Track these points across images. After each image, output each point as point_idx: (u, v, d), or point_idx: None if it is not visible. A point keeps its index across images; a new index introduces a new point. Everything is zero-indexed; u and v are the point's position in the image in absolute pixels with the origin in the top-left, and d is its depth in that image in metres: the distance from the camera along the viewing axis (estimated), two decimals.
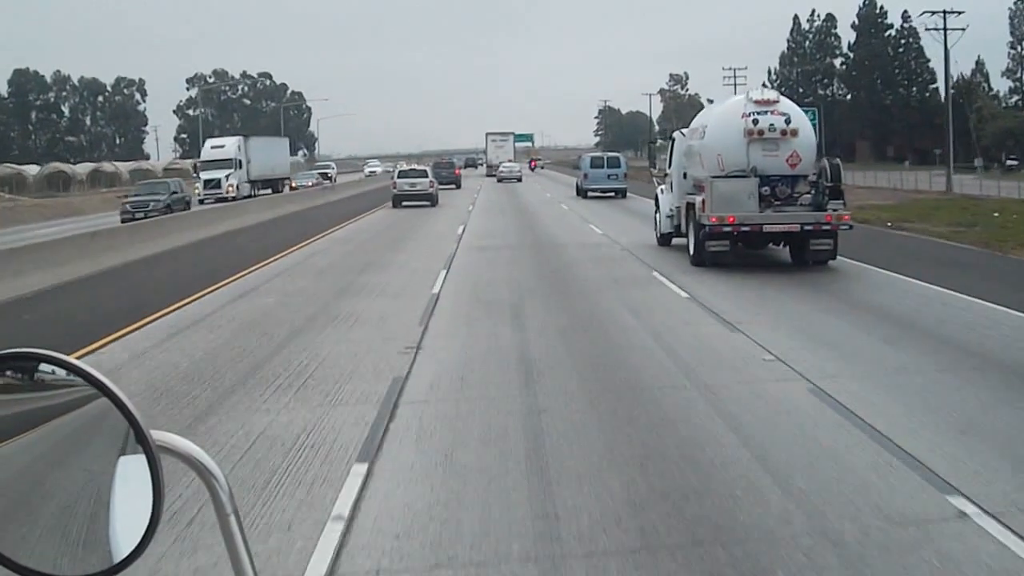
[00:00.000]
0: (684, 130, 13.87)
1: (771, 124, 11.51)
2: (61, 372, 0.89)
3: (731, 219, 11.18)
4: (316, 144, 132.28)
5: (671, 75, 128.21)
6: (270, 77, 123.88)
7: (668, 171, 14.27)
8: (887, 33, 73.95)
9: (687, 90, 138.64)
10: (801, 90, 72.85)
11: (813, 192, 11.67)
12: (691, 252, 12.13)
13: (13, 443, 0.87)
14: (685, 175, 13.04)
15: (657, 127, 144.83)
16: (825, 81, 79.14)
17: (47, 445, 0.89)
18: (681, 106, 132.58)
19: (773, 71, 77.40)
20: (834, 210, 11.30)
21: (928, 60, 68.61)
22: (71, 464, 0.90)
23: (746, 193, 11.31)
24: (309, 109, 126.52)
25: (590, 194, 31.80)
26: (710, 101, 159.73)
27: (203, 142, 37.62)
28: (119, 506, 0.88)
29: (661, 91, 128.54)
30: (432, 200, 28.89)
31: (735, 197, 11.27)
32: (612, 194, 31.75)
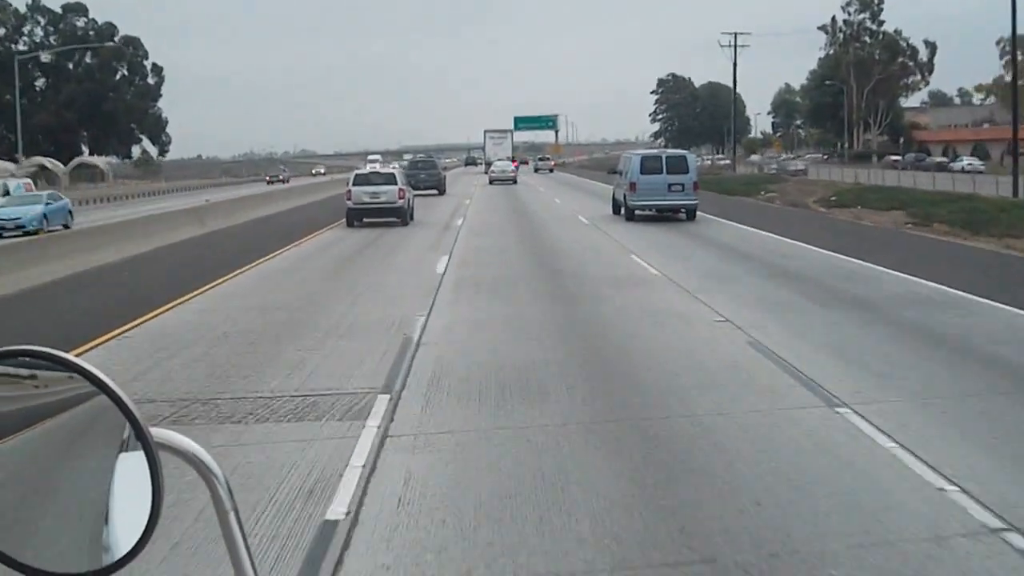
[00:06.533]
0: None
1: None
2: (60, 369, 1.36)
3: None
4: (165, 134, 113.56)
5: None
6: (85, 12, 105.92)
7: None
8: None
9: (881, 23, 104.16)
10: None
11: None
12: None
13: (12, 441, 1.33)
14: None
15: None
16: None
17: (46, 443, 1.35)
18: (865, 57, 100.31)
19: None
20: None
21: None
22: (70, 462, 1.37)
23: None
24: (159, 71, 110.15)
25: (638, 213, 30.61)
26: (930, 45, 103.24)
27: None
28: (118, 503, 1.35)
29: (831, 24, 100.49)
30: (402, 216, 30.97)
31: None
32: (671, 212, 30.91)
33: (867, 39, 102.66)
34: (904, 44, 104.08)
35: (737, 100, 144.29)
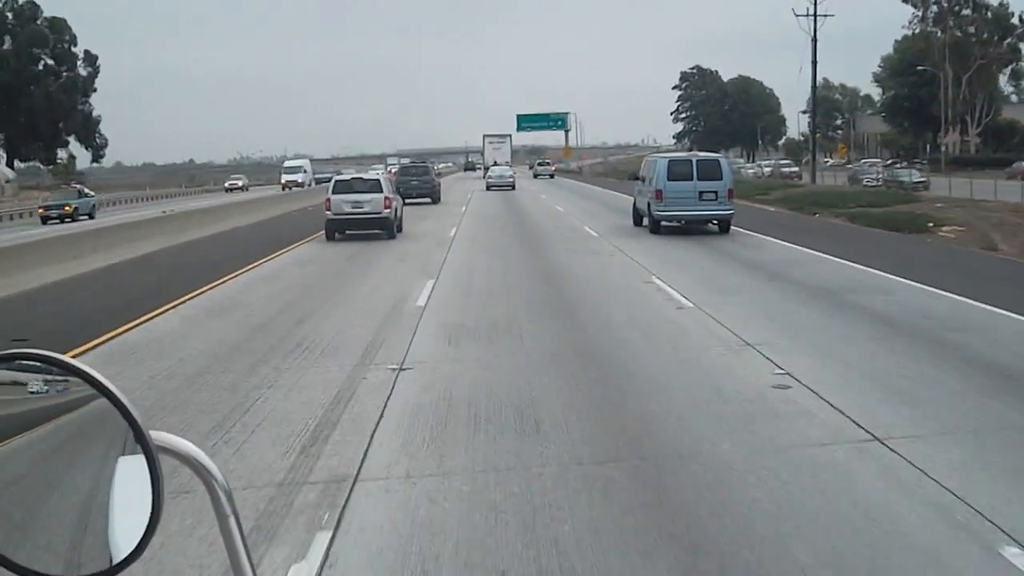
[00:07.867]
0: None
1: None
2: (61, 373, 1.47)
3: None
4: (99, 135, 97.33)
5: None
6: None
7: None
8: None
9: None
10: None
11: None
12: None
13: (12, 443, 1.44)
14: None
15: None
16: None
17: (47, 446, 1.45)
18: (962, 40, 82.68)
19: None
20: None
21: None
22: (70, 465, 1.46)
23: None
24: (93, 60, 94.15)
25: (665, 224, 29.35)
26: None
27: None
28: (118, 506, 1.45)
29: None
30: (388, 228, 30.25)
31: None
32: (703, 223, 29.40)
33: (968, 12, 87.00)
34: (1019, 20, 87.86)
35: (771, 97, 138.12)
